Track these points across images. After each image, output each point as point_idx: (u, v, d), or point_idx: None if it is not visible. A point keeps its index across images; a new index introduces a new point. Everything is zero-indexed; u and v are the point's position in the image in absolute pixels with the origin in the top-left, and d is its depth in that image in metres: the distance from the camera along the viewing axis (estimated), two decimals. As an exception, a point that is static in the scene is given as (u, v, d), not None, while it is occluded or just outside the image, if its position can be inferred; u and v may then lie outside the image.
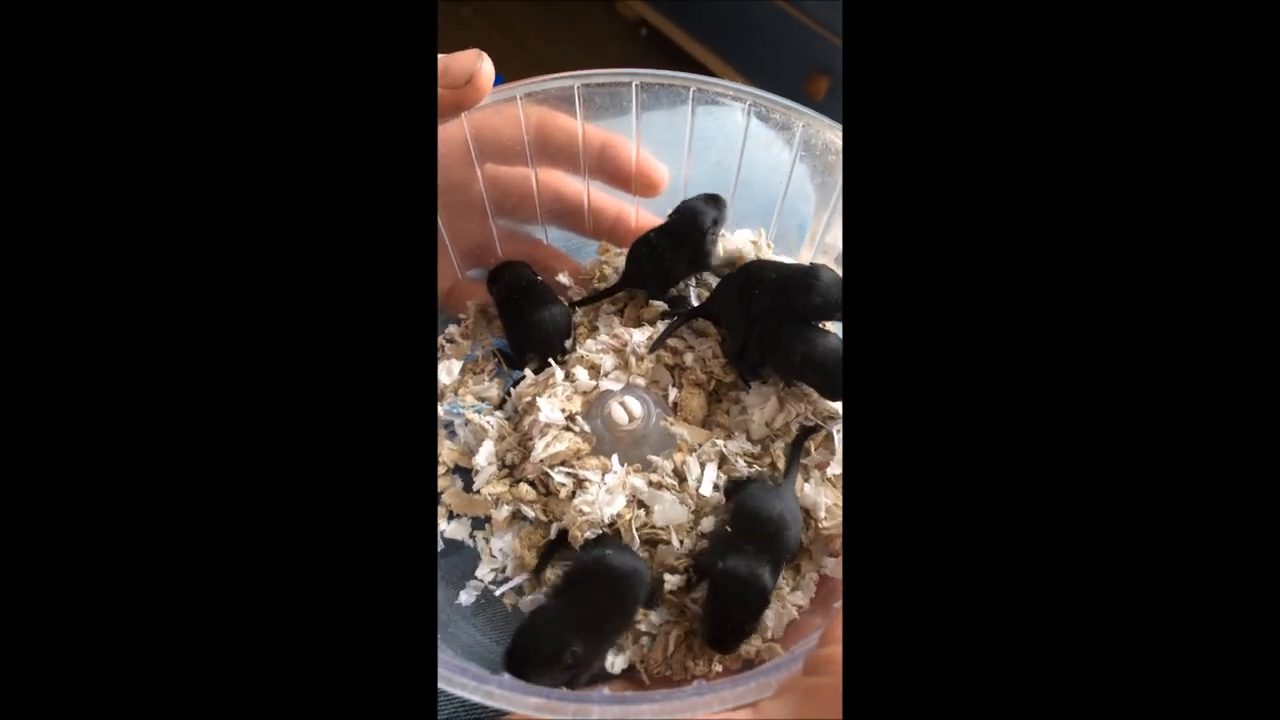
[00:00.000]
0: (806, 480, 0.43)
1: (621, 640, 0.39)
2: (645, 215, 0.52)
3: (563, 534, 0.42)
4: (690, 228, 0.46)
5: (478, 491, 0.45)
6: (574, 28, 1.77)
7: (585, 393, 0.46)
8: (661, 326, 0.48)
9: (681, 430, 0.45)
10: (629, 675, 0.40)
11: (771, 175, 0.49)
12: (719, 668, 0.39)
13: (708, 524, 0.42)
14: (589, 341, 0.48)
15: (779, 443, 0.44)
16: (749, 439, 0.45)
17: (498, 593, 0.43)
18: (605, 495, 0.41)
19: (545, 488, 0.44)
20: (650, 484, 0.43)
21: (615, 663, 0.40)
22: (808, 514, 0.42)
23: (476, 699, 0.28)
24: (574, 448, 0.44)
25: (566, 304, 0.50)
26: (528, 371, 0.47)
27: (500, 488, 0.44)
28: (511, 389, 0.48)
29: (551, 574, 0.42)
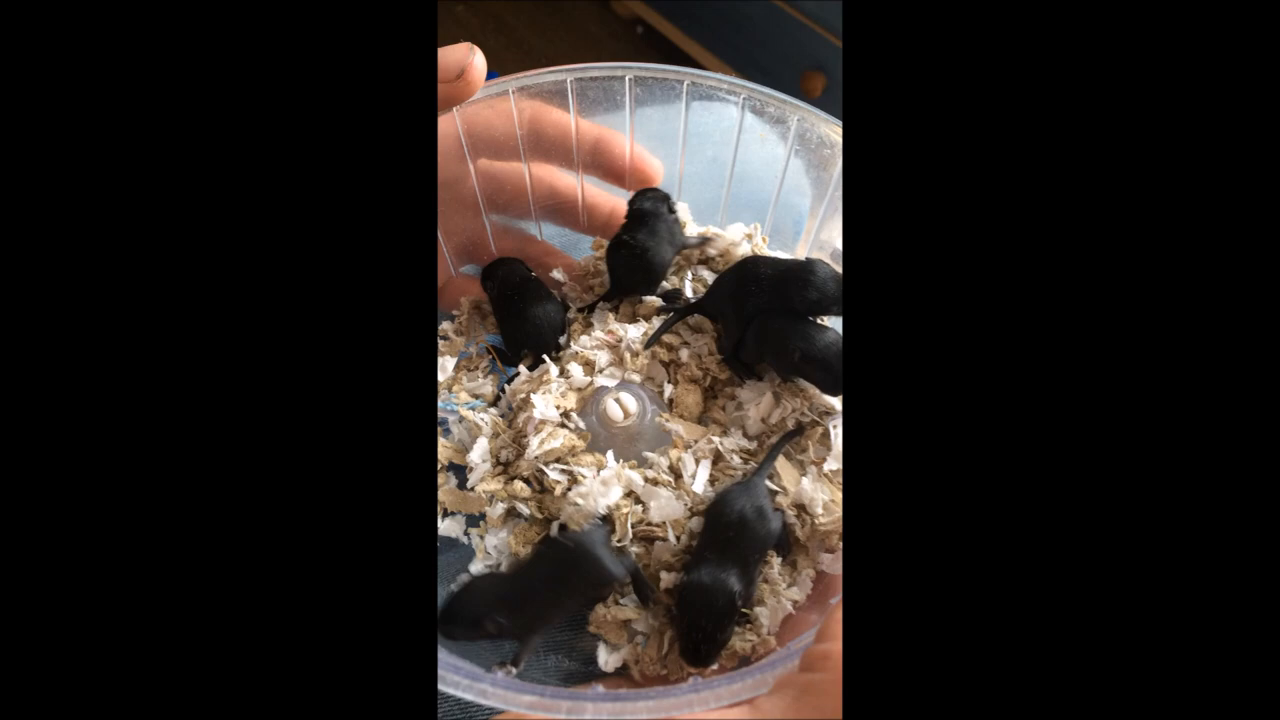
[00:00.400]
0: (804, 475, 0.43)
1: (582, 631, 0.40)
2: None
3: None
4: (651, 214, 0.46)
5: (472, 489, 0.44)
6: (569, 26, 1.77)
7: (580, 389, 0.46)
8: (657, 322, 0.48)
9: (677, 426, 0.44)
10: (623, 674, 0.39)
11: (766, 170, 0.49)
12: (714, 666, 0.39)
13: (697, 523, 0.42)
14: (584, 338, 0.48)
15: (774, 439, 0.44)
16: (745, 435, 0.45)
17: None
18: (600, 486, 0.41)
19: (540, 485, 0.44)
20: (646, 480, 0.42)
21: (609, 661, 0.39)
22: (803, 509, 0.42)
23: (470, 697, 0.28)
24: (569, 444, 0.43)
25: (561, 300, 0.49)
26: (522, 368, 0.47)
27: (495, 485, 0.44)
28: (506, 385, 0.47)
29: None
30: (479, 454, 0.45)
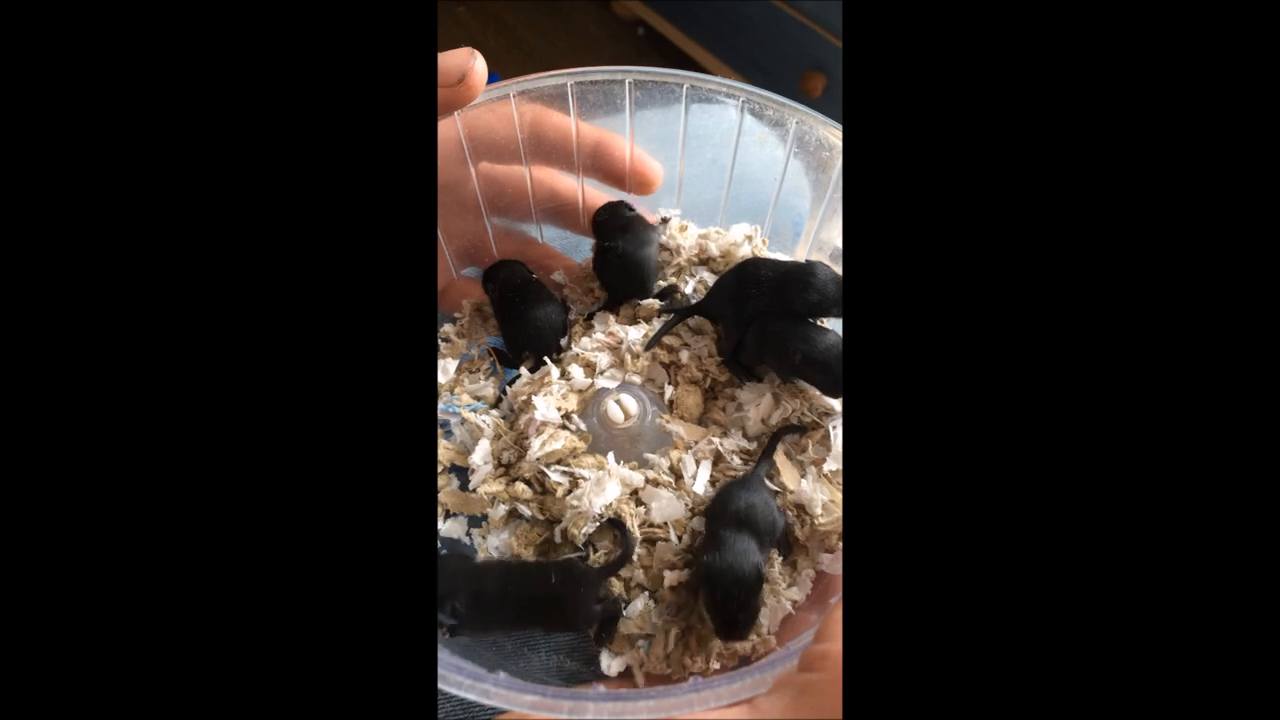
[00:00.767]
0: (804, 477, 0.43)
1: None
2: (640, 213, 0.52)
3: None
4: (623, 218, 0.48)
5: (474, 490, 0.44)
6: (570, 28, 1.77)
7: (581, 391, 0.46)
8: (657, 324, 0.48)
9: (677, 428, 0.45)
10: (626, 677, 0.40)
11: (766, 172, 0.49)
12: (717, 665, 0.39)
13: (700, 523, 0.42)
14: (584, 339, 0.48)
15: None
16: (745, 436, 0.45)
17: None
18: (595, 486, 0.41)
19: (542, 486, 0.44)
20: (647, 481, 0.43)
21: (612, 666, 0.39)
22: (803, 510, 0.42)
23: (472, 697, 0.28)
24: (570, 446, 0.43)
25: (562, 302, 0.50)
26: (523, 370, 0.47)
27: (497, 486, 0.44)
28: (507, 387, 0.48)
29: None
30: (480, 456, 0.45)
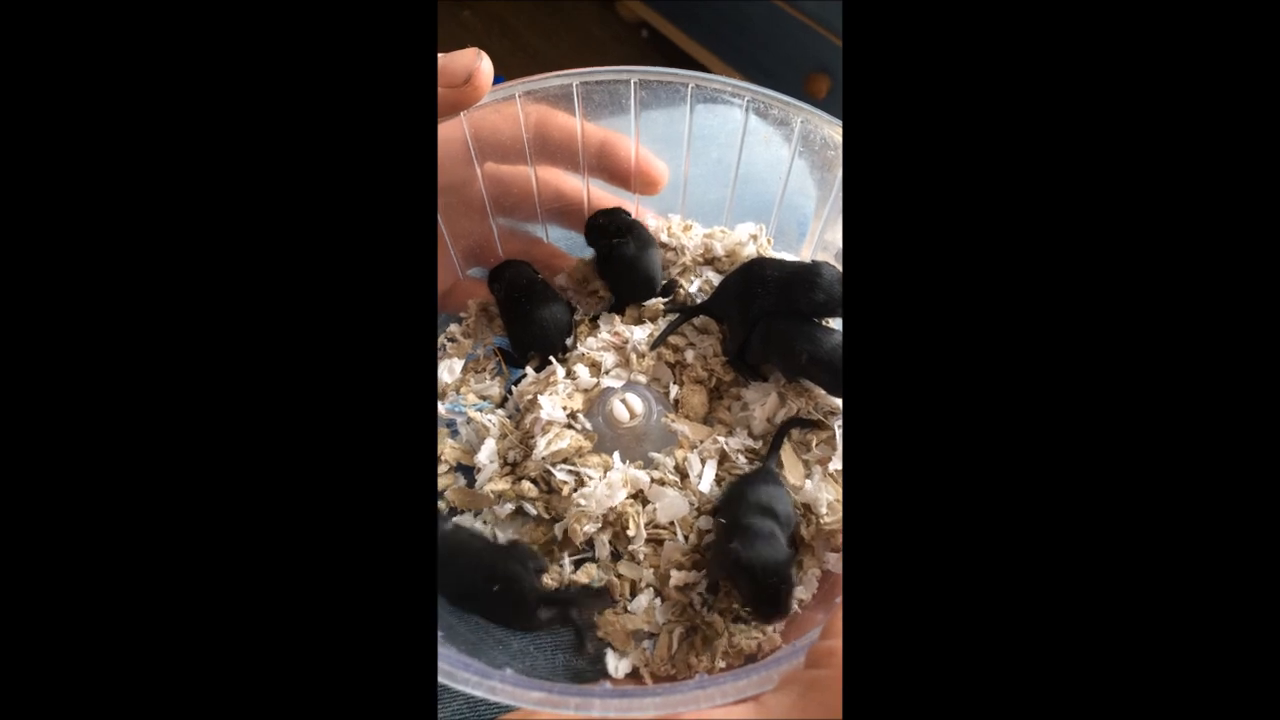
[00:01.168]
0: (809, 476, 0.43)
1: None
2: (645, 213, 0.52)
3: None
4: (623, 222, 0.48)
5: (480, 489, 0.45)
6: (574, 30, 1.77)
7: (586, 390, 0.46)
8: (663, 324, 0.48)
9: (683, 427, 0.45)
10: (634, 677, 0.40)
11: (771, 172, 0.49)
12: (723, 664, 0.39)
13: (706, 522, 0.42)
14: (590, 339, 0.48)
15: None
16: (750, 435, 0.45)
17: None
18: (605, 489, 0.41)
19: (547, 485, 0.44)
20: (653, 480, 0.43)
21: (618, 668, 0.40)
22: (809, 509, 0.42)
23: (480, 694, 0.28)
24: (576, 445, 0.44)
25: (567, 302, 0.50)
26: (529, 369, 0.47)
27: (503, 485, 0.44)
28: (513, 387, 0.48)
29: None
30: (486, 455, 0.45)
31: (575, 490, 0.42)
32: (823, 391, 0.44)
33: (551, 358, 0.47)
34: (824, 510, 0.42)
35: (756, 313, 0.44)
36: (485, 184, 0.49)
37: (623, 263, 0.48)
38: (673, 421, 0.45)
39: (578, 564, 0.42)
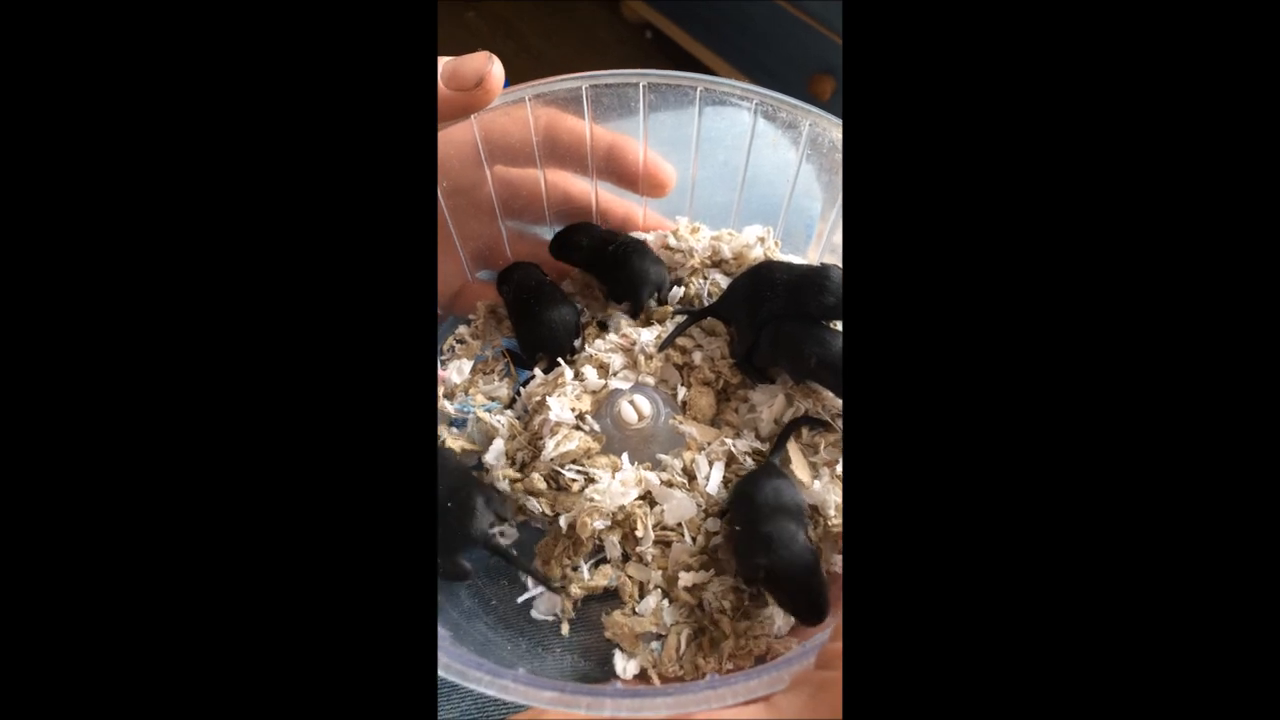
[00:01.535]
0: (817, 478, 0.43)
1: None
2: (653, 215, 0.52)
3: None
4: (606, 232, 0.50)
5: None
6: (579, 31, 1.78)
7: (595, 392, 0.46)
8: (670, 325, 0.48)
9: (690, 429, 0.45)
10: (641, 679, 0.40)
11: (778, 174, 0.50)
12: (730, 665, 0.39)
13: (714, 524, 0.42)
14: (598, 341, 0.48)
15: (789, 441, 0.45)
16: (757, 437, 0.45)
17: (519, 599, 0.43)
18: (619, 487, 0.42)
19: (556, 484, 0.44)
20: (661, 482, 0.43)
21: (626, 669, 0.40)
22: (817, 511, 0.42)
23: (492, 693, 0.28)
24: (584, 446, 0.44)
25: (575, 304, 0.50)
26: (537, 371, 0.48)
27: (513, 474, 0.44)
28: (521, 389, 0.48)
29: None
30: (494, 455, 0.45)
31: (585, 488, 0.42)
32: (830, 394, 0.45)
33: (560, 359, 0.47)
34: (832, 512, 0.42)
35: (765, 316, 0.44)
36: (495, 186, 0.49)
37: (619, 259, 0.49)
38: (680, 423, 0.45)
39: (596, 565, 0.43)
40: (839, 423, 0.44)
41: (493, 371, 0.50)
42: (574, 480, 0.43)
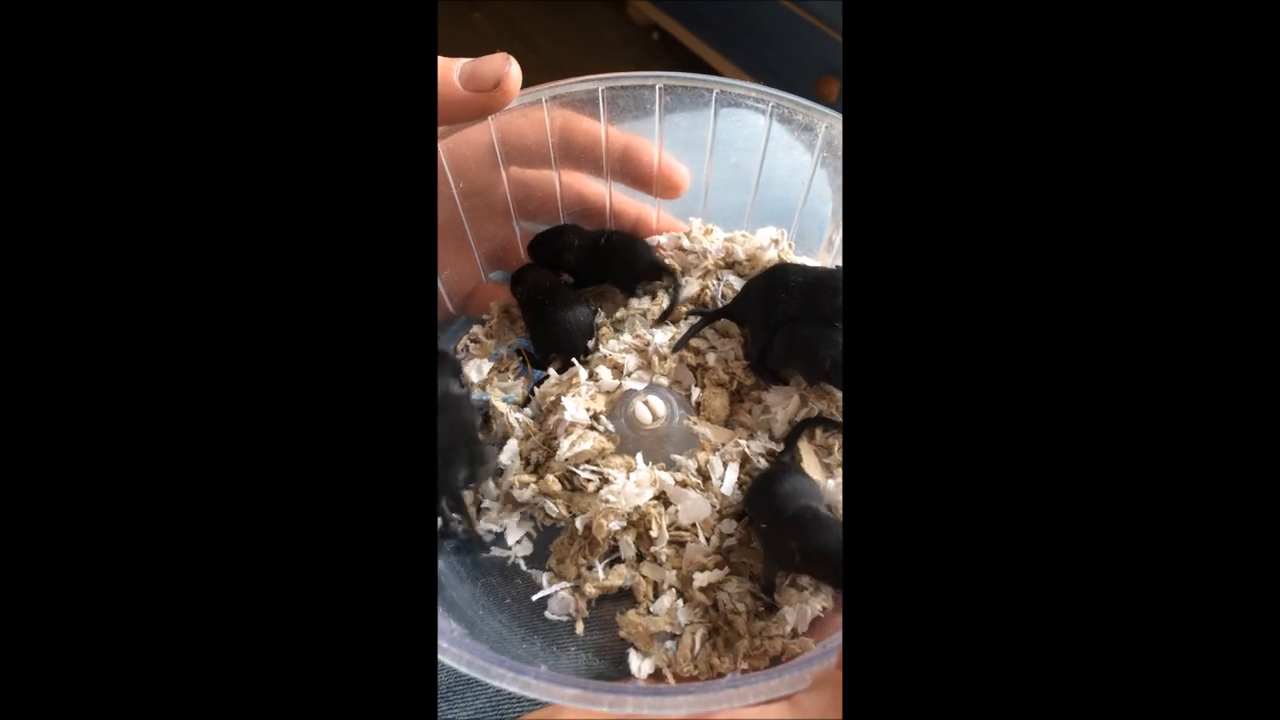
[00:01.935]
0: (830, 477, 0.43)
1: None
2: (666, 217, 0.52)
3: None
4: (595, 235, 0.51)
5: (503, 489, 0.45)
6: (585, 32, 1.78)
7: (609, 392, 0.46)
8: (684, 327, 0.48)
9: (704, 429, 0.45)
10: (656, 678, 0.40)
11: (792, 177, 0.50)
12: (745, 665, 0.39)
13: (728, 525, 0.42)
14: (612, 341, 0.48)
15: (801, 441, 0.45)
16: (771, 438, 0.45)
17: (534, 598, 0.43)
18: (634, 488, 0.42)
19: (571, 485, 0.45)
20: (675, 482, 0.43)
21: (641, 668, 0.40)
22: (830, 511, 0.42)
23: (515, 689, 0.29)
24: (599, 446, 0.44)
25: (588, 305, 0.50)
26: (551, 371, 0.48)
27: (527, 478, 0.45)
28: (535, 389, 0.48)
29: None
30: (508, 455, 0.45)
31: (600, 489, 0.43)
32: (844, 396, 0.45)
33: (574, 359, 0.47)
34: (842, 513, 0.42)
35: (780, 318, 0.44)
36: (510, 187, 0.49)
37: (613, 248, 0.50)
38: (694, 424, 0.45)
39: (611, 564, 0.43)
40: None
41: (507, 369, 0.50)
42: (589, 480, 0.43)
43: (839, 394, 0.45)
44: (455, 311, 0.52)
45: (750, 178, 0.51)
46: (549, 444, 0.45)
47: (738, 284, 0.49)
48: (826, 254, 0.51)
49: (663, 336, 0.48)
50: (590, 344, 0.49)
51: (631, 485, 0.42)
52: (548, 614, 0.43)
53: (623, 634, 0.41)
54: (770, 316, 0.45)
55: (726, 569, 0.42)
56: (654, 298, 0.51)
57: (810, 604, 0.40)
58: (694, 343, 0.48)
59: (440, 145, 0.44)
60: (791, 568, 0.39)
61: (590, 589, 0.42)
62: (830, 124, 0.45)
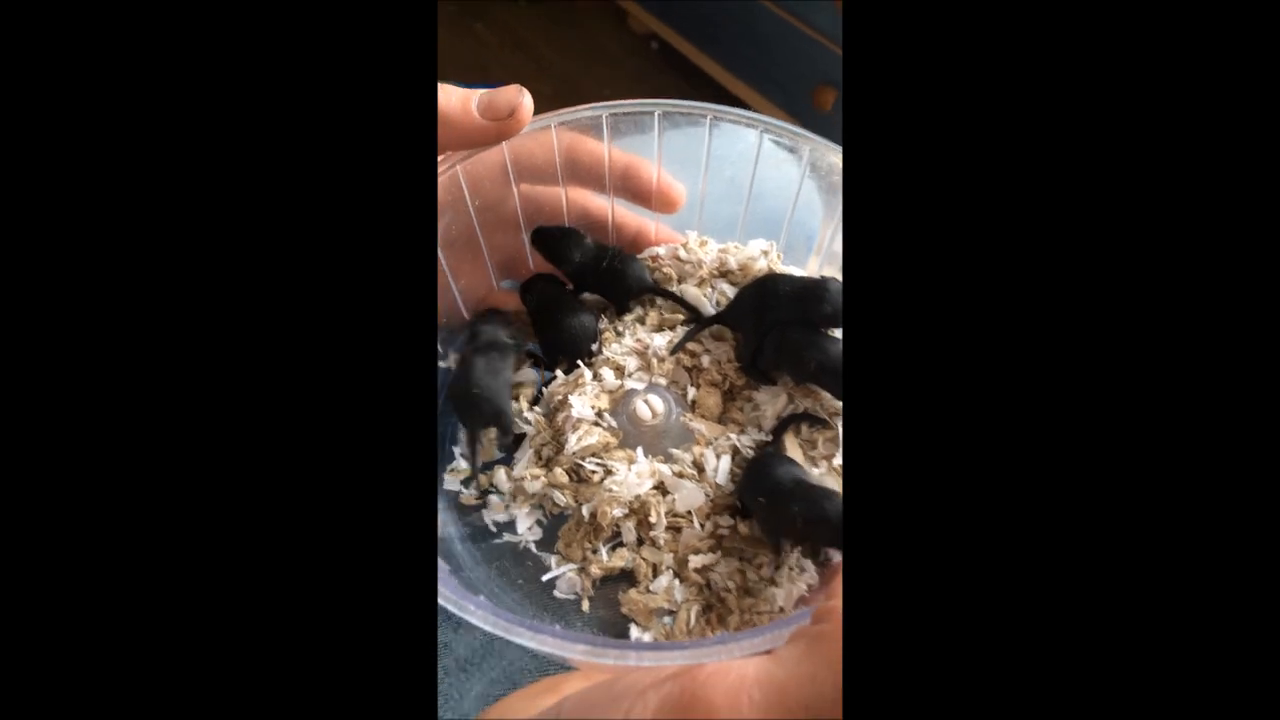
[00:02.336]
0: (815, 467, 0.48)
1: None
2: (664, 229, 0.57)
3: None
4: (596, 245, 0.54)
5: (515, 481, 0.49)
6: (586, 42, 1.81)
7: (612, 391, 0.51)
8: (681, 332, 0.53)
9: (699, 425, 0.49)
10: None
11: (781, 191, 0.54)
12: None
13: (725, 519, 0.46)
14: (614, 345, 0.53)
15: (786, 435, 0.49)
16: (761, 432, 0.50)
17: (544, 579, 0.47)
18: (635, 479, 0.46)
19: (577, 477, 0.49)
20: (672, 473, 0.47)
21: (641, 639, 0.44)
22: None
23: (533, 645, 0.33)
24: (603, 441, 0.48)
25: (592, 311, 0.54)
26: (559, 372, 0.52)
27: (537, 471, 0.49)
28: (543, 389, 0.53)
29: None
30: (520, 451, 0.50)
31: (604, 479, 0.47)
32: (829, 395, 0.49)
33: (580, 362, 0.52)
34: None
35: (769, 323, 0.48)
36: (520, 203, 0.54)
37: (609, 265, 0.53)
38: (690, 420, 0.49)
39: (613, 548, 0.47)
40: (836, 421, 0.49)
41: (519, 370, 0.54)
42: (594, 472, 0.47)
43: (824, 393, 0.49)
44: (469, 317, 0.57)
45: (743, 191, 0.55)
46: (558, 439, 0.50)
47: (731, 292, 0.54)
48: (814, 262, 0.56)
49: (661, 340, 0.52)
50: (595, 347, 0.53)
51: (633, 476, 0.47)
52: (556, 593, 0.47)
53: (625, 610, 0.45)
54: (761, 322, 0.49)
55: (719, 552, 0.46)
56: (644, 307, 0.55)
57: (796, 584, 0.45)
58: (689, 346, 0.52)
59: (459, 167, 0.49)
60: (793, 535, 0.42)
61: (595, 570, 0.46)
62: (813, 147, 0.50)
